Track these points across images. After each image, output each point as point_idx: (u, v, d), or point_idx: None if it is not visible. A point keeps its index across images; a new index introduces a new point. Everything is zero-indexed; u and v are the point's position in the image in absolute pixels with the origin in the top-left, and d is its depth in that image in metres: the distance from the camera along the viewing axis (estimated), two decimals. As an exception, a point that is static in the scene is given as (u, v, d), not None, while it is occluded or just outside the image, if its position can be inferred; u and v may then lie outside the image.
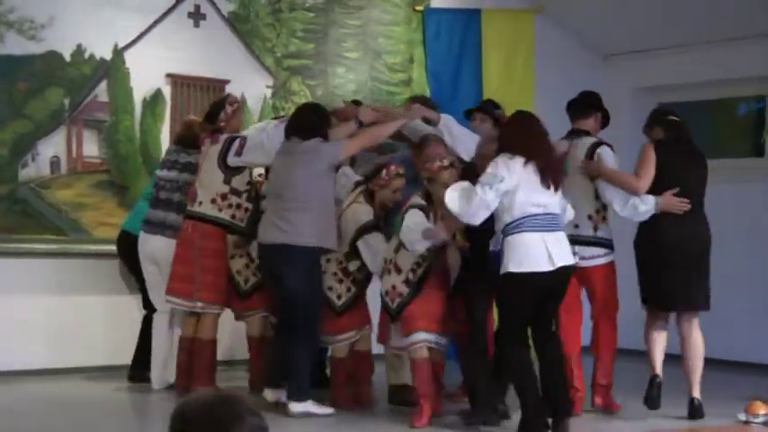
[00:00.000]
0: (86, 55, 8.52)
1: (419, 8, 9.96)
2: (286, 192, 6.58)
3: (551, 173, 6.14)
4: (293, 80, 9.50)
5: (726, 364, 8.62)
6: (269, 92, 9.33)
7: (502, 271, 6.07)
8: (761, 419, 6.63)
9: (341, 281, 6.86)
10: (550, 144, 6.35)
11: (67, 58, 8.43)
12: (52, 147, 8.42)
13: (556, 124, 6.73)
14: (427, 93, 9.62)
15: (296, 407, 6.52)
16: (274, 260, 6.59)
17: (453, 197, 6.22)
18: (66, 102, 8.46)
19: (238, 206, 7.08)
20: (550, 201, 6.13)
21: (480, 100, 9.40)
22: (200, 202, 7.02)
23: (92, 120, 8.62)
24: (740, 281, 9.12)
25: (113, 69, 8.62)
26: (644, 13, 9.82)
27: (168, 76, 8.82)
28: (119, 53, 8.63)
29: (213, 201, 7.00)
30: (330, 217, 6.60)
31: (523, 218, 6.04)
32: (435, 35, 9.91)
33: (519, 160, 6.05)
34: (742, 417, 6.68)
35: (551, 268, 6.03)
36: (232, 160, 6.99)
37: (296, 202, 6.54)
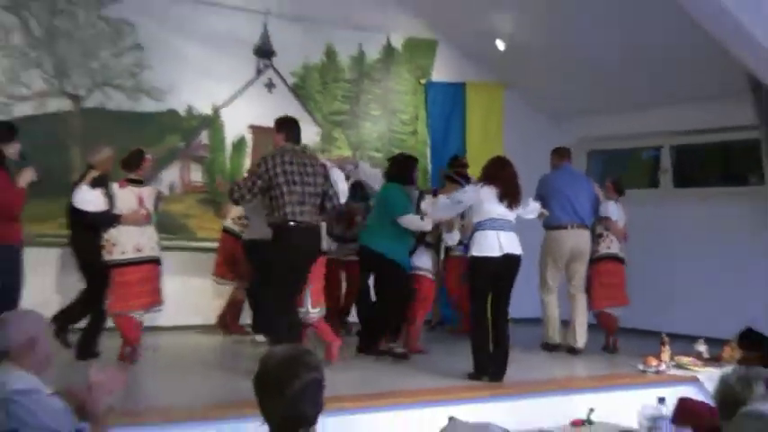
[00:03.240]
0: (194, 112, 9.32)
1: (423, 81, 10.65)
2: None
3: (508, 197, 6.72)
4: (335, 130, 10.16)
5: (631, 332, 9.27)
6: (317, 138, 9.98)
7: (468, 255, 6.71)
8: (653, 369, 7.26)
9: None
10: (514, 178, 6.84)
11: (182, 113, 9.25)
12: (170, 174, 9.23)
13: (517, 165, 7.05)
14: (428, 141, 10.55)
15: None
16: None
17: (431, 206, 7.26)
18: (181, 144, 9.30)
19: None
20: (507, 213, 6.73)
21: (464, 149, 10.33)
22: None
23: (197, 156, 9.38)
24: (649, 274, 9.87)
25: (212, 122, 9.39)
26: (583, 86, 10.27)
27: (250, 126, 9.57)
28: (216, 111, 9.45)
29: None
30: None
31: (486, 220, 6.67)
32: (433, 100, 10.58)
33: (485, 186, 6.69)
34: (640, 367, 7.33)
35: (500, 254, 6.61)
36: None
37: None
